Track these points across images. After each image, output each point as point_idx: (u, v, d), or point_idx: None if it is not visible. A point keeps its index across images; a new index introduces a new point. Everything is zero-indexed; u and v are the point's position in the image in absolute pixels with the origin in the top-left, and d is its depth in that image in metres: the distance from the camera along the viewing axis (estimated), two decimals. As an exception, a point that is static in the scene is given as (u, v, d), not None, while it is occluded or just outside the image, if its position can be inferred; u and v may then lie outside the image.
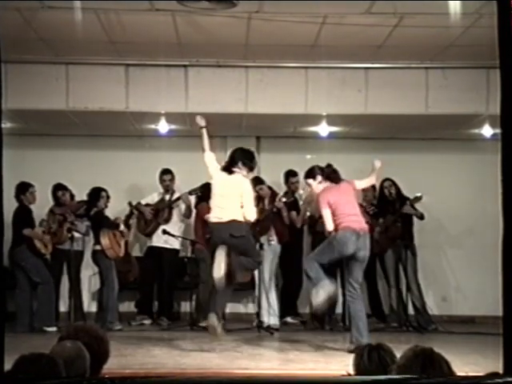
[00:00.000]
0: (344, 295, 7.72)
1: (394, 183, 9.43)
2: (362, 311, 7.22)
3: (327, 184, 7.40)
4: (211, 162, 7.40)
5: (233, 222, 7.12)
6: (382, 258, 9.44)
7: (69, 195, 9.36)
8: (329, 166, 7.52)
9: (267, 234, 9.09)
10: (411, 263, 9.29)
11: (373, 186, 9.41)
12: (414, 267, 9.37)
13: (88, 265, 9.59)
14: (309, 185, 7.61)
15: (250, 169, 7.37)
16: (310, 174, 7.52)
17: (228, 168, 7.30)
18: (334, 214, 7.20)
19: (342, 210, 7.21)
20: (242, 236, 7.17)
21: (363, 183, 7.71)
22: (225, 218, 7.15)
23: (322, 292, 6.99)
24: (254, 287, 9.33)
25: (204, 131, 7.46)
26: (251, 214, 7.23)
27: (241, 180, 7.26)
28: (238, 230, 7.15)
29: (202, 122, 7.49)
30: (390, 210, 9.25)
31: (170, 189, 9.76)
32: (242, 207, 7.17)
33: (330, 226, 7.20)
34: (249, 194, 7.29)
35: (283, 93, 8.67)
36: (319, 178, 7.41)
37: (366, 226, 7.28)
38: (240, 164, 7.27)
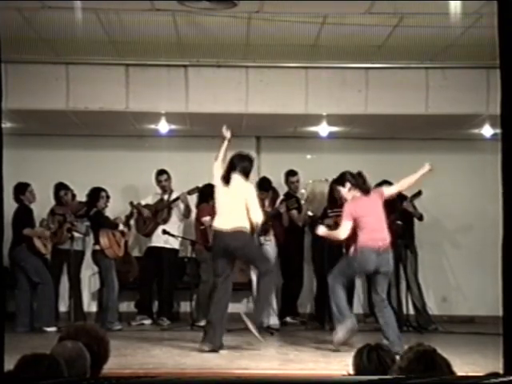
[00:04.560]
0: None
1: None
2: (391, 318, 7.19)
3: (356, 192, 7.30)
4: (218, 171, 7.25)
5: (236, 230, 7.08)
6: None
7: (70, 195, 9.37)
8: (359, 174, 7.40)
9: (266, 235, 9.09)
10: (411, 263, 9.30)
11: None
12: (415, 267, 9.37)
13: (88, 265, 9.60)
14: (338, 191, 7.57)
15: (246, 175, 7.27)
16: (340, 180, 7.48)
17: (227, 175, 7.21)
18: (358, 228, 7.12)
19: (366, 225, 7.15)
20: (245, 245, 7.16)
21: (392, 189, 7.56)
22: (228, 227, 7.11)
23: (344, 329, 7.02)
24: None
25: (226, 143, 7.24)
26: (258, 217, 7.19)
27: (244, 185, 7.22)
28: (241, 238, 7.11)
29: (227, 133, 7.26)
30: (390, 210, 9.22)
31: (167, 189, 9.75)
32: (247, 213, 7.12)
33: (341, 234, 7.16)
34: (254, 197, 7.24)
35: (283, 93, 8.66)
36: (348, 185, 7.32)
37: (387, 243, 7.16)
38: (238, 170, 7.22)
